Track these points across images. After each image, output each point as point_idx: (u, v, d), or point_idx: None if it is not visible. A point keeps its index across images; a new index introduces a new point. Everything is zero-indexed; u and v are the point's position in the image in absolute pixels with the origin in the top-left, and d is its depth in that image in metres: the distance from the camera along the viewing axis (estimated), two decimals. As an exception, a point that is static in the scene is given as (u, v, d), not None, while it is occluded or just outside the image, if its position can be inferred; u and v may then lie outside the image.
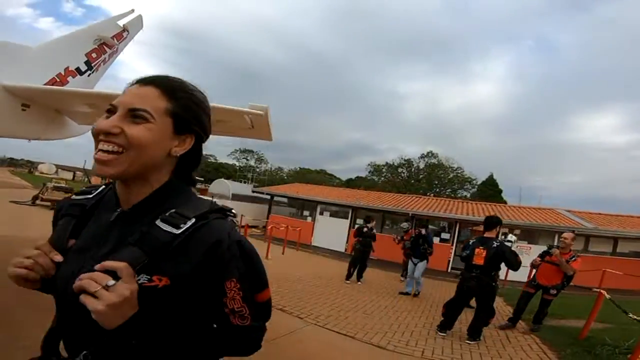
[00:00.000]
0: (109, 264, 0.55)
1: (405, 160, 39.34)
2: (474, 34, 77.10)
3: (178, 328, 0.62)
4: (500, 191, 37.19)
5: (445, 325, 4.91)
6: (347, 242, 13.91)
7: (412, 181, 38.39)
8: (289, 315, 4.94)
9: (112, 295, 0.52)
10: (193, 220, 0.62)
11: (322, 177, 42.78)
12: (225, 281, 0.63)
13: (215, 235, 0.62)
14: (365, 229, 8.18)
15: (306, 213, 16.63)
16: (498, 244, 4.68)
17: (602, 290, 4.67)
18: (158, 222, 0.61)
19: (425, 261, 7.28)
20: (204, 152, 0.77)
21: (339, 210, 15.43)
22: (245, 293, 0.65)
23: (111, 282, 0.53)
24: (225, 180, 21.96)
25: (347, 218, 14.90)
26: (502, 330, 5.35)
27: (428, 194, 35.56)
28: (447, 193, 36.83)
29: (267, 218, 16.49)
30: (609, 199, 47.63)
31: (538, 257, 5.48)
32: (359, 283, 7.95)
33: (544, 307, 5.28)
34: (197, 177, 0.80)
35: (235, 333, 0.67)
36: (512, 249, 6.17)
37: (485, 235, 4.90)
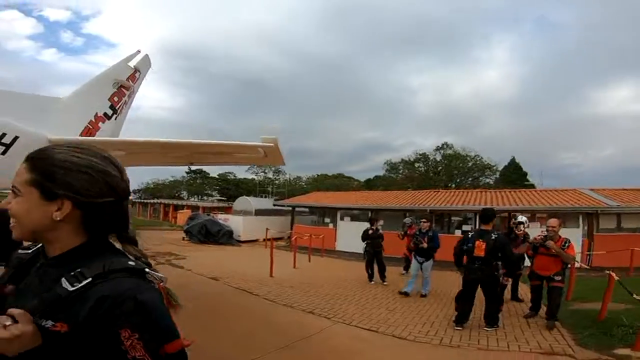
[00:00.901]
0: (12, 310, 0.68)
1: (420, 154, 39.02)
2: (476, 20, 75.02)
3: None
4: (525, 174, 36.16)
5: (461, 318, 5.07)
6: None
7: (431, 174, 37.96)
8: (317, 316, 5.43)
9: (4, 332, 0.65)
10: (89, 279, 0.71)
11: (340, 181, 42.92)
12: (120, 330, 0.68)
13: (105, 291, 0.69)
14: (370, 231, 8.41)
15: (327, 220, 17.03)
16: (496, 235, 4.93)
17: (611, 272, 4.77)
18: (62, 280, 0.72)
19: (431, 259, 7.22)
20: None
21: (359, 214, 15.77)
22: (147, 342, 0.68)
23: (8, 322, 0.66)
24: (248, 198, 23.02)
25: (367, 221, 15.21)
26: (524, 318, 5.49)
27: (449, 185, 35.10)
28: (468, 182, 36.23)
29: (291, 229, 17.05)
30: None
31: (538, 236, 5.35)
32: (385, 283, 8.20)
33: (556, 297, 5.06)
34: (130, 234, 0.86)
35: None
36: (525, 231, 6.30)
37: (482, 227, 5.15)
